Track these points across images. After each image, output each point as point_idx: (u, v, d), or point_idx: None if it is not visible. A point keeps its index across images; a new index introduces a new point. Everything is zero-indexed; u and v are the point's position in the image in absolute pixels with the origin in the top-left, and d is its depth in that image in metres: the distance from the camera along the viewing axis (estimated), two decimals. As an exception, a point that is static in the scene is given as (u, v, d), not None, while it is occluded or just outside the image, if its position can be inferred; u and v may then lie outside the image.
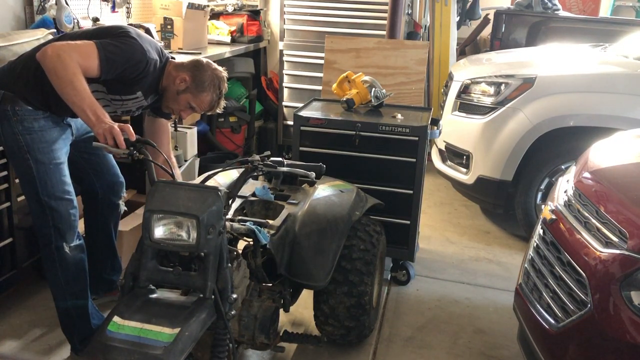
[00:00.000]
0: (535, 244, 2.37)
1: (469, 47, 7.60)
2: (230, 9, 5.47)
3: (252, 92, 5.44)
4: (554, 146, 3.86)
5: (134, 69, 2.33)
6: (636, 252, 1.81)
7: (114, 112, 2.53)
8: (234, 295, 1.92)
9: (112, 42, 2.30)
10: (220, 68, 2.53)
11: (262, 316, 2.30)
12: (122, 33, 2.38)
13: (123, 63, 2.30)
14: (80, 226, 2.67)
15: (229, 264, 1.95)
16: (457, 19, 6.41)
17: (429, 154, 4.17)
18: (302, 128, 3.25)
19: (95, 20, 3.81)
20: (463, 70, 4.46)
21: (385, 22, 4.79)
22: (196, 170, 4.35)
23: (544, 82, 3.89)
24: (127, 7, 4.29)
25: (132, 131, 2.09)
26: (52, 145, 2.38)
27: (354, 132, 3.17)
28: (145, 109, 2.65)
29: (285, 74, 5.46)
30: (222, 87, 2.51)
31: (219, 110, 2.56)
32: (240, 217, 2.43)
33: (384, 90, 3.46)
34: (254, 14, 5.62)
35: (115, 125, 2.08)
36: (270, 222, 2.42)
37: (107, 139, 2.05)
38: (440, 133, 3.51)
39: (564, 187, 2.41)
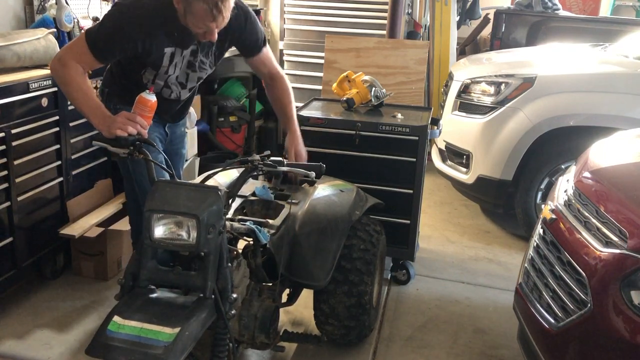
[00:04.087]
0: (535, 244, 2.37)
1: (469, 47, 7.61)
2: (230, 8, 5.45)
3: (252, 92, 5.44)
4: (554, 146, 3.86)
5: (128, 36, 2.21)
6: (636, 252, 1.81)
7: (185, 81, 2.47)
8: (234, 295, 1.92)
9: (97, 24, 2.28)
10: None
11: (262, 316, 2.30)
12: (113, 5, 2.37)
13: (111, 40, 2.20)
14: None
15: (229, 264, 1.95)
16: (457, 18, 6.42)
17: (429, 153, 4.17)
18: (302, 127, 3.24)
19: (96, 19, 3.81)
20: (463, 70, 4.46)
21: (385, 21, 4.79)
22: (196, 169, 4.36)
23: (544, 82, 3.89)
24: (127, 7, 4.29)
25: (141, 121, 2.07)
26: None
27: (354, 132, 3.17)
28: (218, 53, 2.49)
29: (286, 74, 5.45)
30: None
31: (227, 15, 2.13)
32: (240, 217, 2.43)
33: (384, 90, 3.46)
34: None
35: (119, 118, 2.06)
36: (270, 221, 2.42)
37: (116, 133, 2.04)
38: (440, 133, 3.51)
39: (564, 186, 2.41)
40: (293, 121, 2.76)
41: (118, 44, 2.23)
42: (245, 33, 2.46)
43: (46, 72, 2.98)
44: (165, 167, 2.15)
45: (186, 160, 3.88)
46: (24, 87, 2.82)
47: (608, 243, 1.92)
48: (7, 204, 2.80)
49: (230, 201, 1.98)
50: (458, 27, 6.50)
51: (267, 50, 2.68)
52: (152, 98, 2.13)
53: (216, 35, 2.19)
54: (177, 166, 2.77)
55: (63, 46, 2.34)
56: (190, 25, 2.16)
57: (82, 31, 3.50)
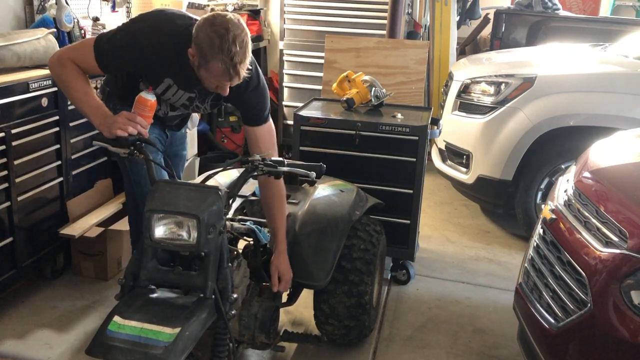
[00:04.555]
0: (535, 244, 2.38)
1: (469, 47, 7.61)
2: (230, 8, 5.46)
3: (252, 92, 5.43)
4: (554, 146, 3.86)
5: (135, 59, 2.20)
6: (636, 252, 1.81)
7: (174, 110, 2.49)
8: (234, 295, 1.92)
9: (109, 32, 2.27)
10: (228, 18, 1.99)
11: (262, 316, 2.30)
12: (130, 20, 2.35)
13: (118, 56, 2.20)
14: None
15: (229, 264, 1.96)
16: (457, 18, 6.42)
17: (429, 153, 4.17)
18: (302, 127, 3.25)
19: (96, 19, 3.82)
20: (463, 70, 4.46)
21: (385, 21, 4.79)
22: (196, 169, 4.36)
23: (544, 82, 3.89)
24: (127, 7, 4.29)
25: (142, 121, 2.06)
26: None
27: (354, 132, 3.17)
28: (213, 104, 2.46)
29: (286, 74, 5.46)
30: (233, 47, 1.95)
31: (243, 75, 2.05)
32: (240, 217, 2.44)
33: (384, 90, 3.46)
34: (254, 14, 5.62)
35: (120, 118, 2.05)
36: (271, 221, 2.42)
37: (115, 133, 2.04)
38: (440, 132, 3.51)
39: (564, 186, 2.41)
40: (281, 236, 2.38)
41: (124, 63, 2.24)
42: (246, 96, 2.34)
43: (46, 72, 2.98)
44: (168, 170, 2.15)
45: (186, 160, 3.88)
46: (24, 87, 2.82)
47: (608, 243, 1.92)
48: (7, 204, 2.80)
49: (230, 201, 1.98)
50: (458, 27, 6.50)
51: (269, 131, 2.46)
52: (152, 97, 2.13)
53: (228, 91, 2.13)
54: (177, 168, 2.77)
55: (65, 46, 2.33)
56: (203, 79, 2.10)
57: (83, 31, 3.54)
